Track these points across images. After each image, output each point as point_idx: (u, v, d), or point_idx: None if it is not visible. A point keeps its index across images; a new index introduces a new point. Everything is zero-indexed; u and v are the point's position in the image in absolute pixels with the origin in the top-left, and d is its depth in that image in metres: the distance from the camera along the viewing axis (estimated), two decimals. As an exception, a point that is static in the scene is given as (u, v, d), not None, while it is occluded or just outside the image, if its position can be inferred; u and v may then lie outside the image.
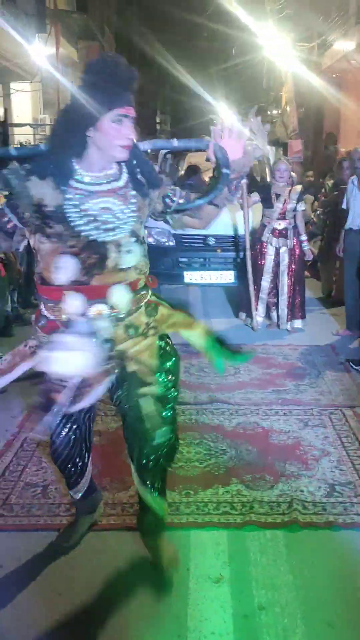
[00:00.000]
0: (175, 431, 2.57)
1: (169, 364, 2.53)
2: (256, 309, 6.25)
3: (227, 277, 6.91)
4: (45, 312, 2.35)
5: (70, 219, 2.20)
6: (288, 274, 6.20)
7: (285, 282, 6.20)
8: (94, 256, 2.24)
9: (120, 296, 2.30)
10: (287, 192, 6.13)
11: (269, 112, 25.37)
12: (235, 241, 6.88)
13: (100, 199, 2.24)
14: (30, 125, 17.05)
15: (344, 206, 6.14)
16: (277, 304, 6.28)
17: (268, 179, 7.31)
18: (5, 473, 3.48)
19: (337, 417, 4.17)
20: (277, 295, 6.26)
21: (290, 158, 17.30)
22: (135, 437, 2.51)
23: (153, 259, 2.51)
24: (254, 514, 3.03)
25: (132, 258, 2.31)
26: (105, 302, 2.28)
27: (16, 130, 16.84)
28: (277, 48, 17.36)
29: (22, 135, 16.75)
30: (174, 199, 2.43)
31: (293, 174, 6.33)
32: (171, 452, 2.59)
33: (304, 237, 6.25)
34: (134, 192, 2.32)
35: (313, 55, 17.38)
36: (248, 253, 6.18)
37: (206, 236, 6.92)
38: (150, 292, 2.49)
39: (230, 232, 6.91)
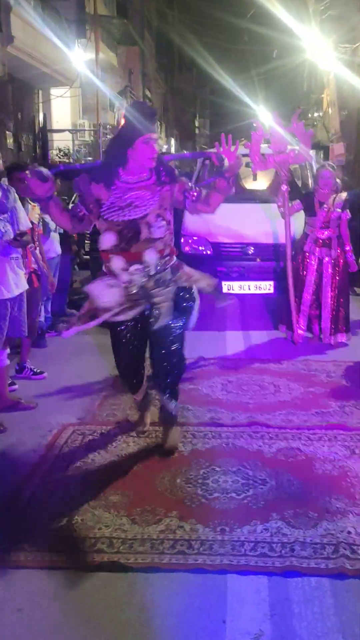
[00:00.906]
0: (183, 353, 3.75)
1: (184, 304, 3.64)
2: (297, 322, 5.96)
3: (266, 287, 6.65)
4: (104, 269, 3.61)
5: (115, 206, 3.39)
6: (331, 285, 5.89)
7: (328, 294, 5.89)
8: (131, 231, 3.42)
9: (150, 258, 3.46)
10: (332, 199, 5.83)
11: (309, 115, 24.92)
12: (275, 250, 6.61)
13: (134, 192, 3.41)
14: (69, 130, 17.05)
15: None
16: (319, 317, 5.98)
17: (311, 185, 7.02)
18: (30, 501, 3.28)
19: (386, 444, 3.85)
20: (319, 307, 5.96)
21: (332, 162, 16.91)
22: (158, 353, 3.69)
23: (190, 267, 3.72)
24: (295, 558, 2.75)
25: (158, 232, 3.45)
26: (140, 262, 3.45)
27: (55, 136, 16.87)
28: (319, 50, 16.95)
29: (61, 142, 16.77)
30: (191, 193, 3.53)
31: (338, 180, 6.01)
32: (181, 366, 3.81)
33: (348, 247, 5.92)
34: (159, 187, 3.45)
35: (356, 56, 16.91)
36: (289, 263, 5.90)
37: (245, 245, 6.67)
38: (175, 258, 3.65)
39: (271, 241, 6.65)
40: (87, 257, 6.46)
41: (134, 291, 3.47)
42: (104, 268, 3.63)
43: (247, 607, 2.49)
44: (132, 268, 3.45)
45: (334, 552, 2.79)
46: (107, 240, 3.45)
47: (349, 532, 2.93)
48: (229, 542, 2.88)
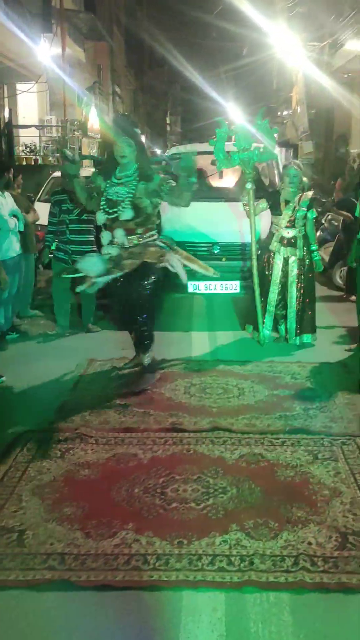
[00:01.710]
0: (153, 303, 4.76)
1: (150, 273, 4.66)
2: (263, 322, 5.88)
3: (232, 287, 6.55)
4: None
5: (107, 195, 4.59)
6: (297, 285, 5.82)
7: (294, 293, 5.82)
8: (114, 214, 4.56)
9: (120, 235, 4.56)
10: (298, 198, 5.75)
11: (279, 113, 24.96)
12: (241, 249, 6.52)
13: (118, 187, 4.58)
14: (35, 126, 16.73)
15: (357, 214, 5.75)
16: (285, 317, 5.91)
17: (277, 184, 6.95)
18: (-21, 514, 3.12)
19: (349, 448, 3.78)
20: (285, 307, 5.88)
21: (301, 160, 16.94)
22: (131, 307, 4.72)
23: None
24: (254, 572, 2.65)
25: (128, 215, 4.51)
26: (117, 237, 4.58)
27: (21, 131, 16.54)
28: (287, 48, 16.95)
29: (27, 137, 16.45)
30: (166, 188, 4.59)
31: (305, 179, 5.94)
32: (145, 326, 4.78)
33: (314, 247, 5.86)
34: (136, 183, 4.55)
35: (324, 55, 16.95)
36: (254, 263, 5.81)
37: (211, 244, 6.56)
38: (152, 238, 4.74)
39: (237, 240, 6.55)
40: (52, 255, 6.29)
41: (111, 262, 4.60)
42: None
43: (202, 628, 2.38)
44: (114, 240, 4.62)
45: (293, 564, 2.70)
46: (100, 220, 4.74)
47: (310, 543, 2.84)
48: (186, 556, 2.76)
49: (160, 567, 2.69)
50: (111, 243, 4.60)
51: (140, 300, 4.66)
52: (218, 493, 3.28)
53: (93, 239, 6.07)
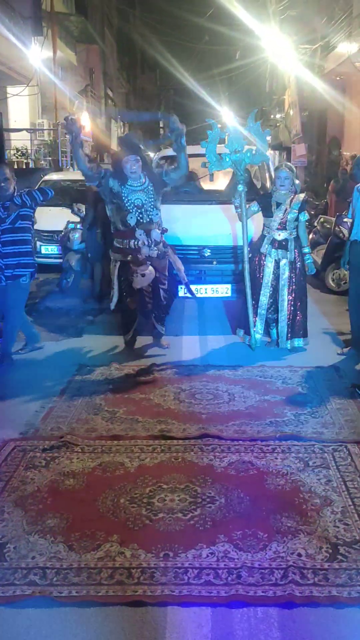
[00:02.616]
0: (172, 298, 5.86)
1: (173, 271, 5.67)
2: (254, 326, 5.80)
3: (224, 290, 6.48)
4: (117, 245, 5.49)
5: (124, 200, 5.32)
6: (289, 288, 5.75)
7: (285, 297, 5.74)
8: (147, 218, 5.37)
9: (156, 235, 5.40)
10: (289, 200, 5.68)
11: (272, 116, 24.97)
12: (233, 253, 6.44)
13: (138, 193, 5.34)
14: (27, 130, 16.65)
15: (349, 216, 5.69)
16: (276, 321, 5.83)
17: (269, 186, 6.89)
18: None
19: (341, 455, 3.70)
20: (276, 311, 5.81)
21: (294, 162, 16.91)
22: (157, 302, 5.68)
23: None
24: (242, 585, 2.56)
25: (159, 217, 5.45)
26: (148, 236, 5.36)
27: (13, 135, 16.46)
28: (280, 50, 16.93)
29: (18, 141, 16.37)
30: (165, 173, 5.48)
31: (297, 181, 5.87)
32: (167, 306, 5.83)
33: (306, 250, 5.79)
34: (151, 188, 5.37)
35: (316, 57, 16.96)
36: (246, 265, 5.74)
37: (202, 247, 6.48)
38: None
39: (228, 243, 6.48)
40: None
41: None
42: (116, 244, 5.56)
43: (187, 645, 2.29)
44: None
45: (282, 577, 2.61)
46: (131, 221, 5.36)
47: (299, 555, 2.75)
48: (172, 569, 2.68)
49: (144, 581, 2.60)
50: (144, 243, 5.32)
51: (167, 292, 5.68)
52: (206, 503, 3.20)
53: (31, 249, 5.40)
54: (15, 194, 5.24)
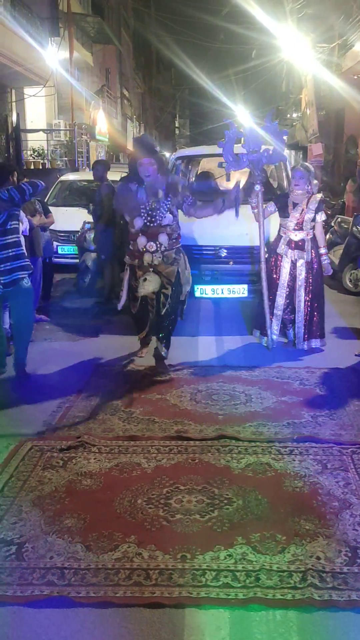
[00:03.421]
0: (176, 311, 5.36)
1: (180, 279, 5.25)
2: (270, 327, 5.77)
3: (240, 290, 6.45)
4: (129, 247, 5.21)
5: (137, 202, 5.02)
6: (305, 288, 5.71)
7: (302, 297, 5.71)
8: (157, 221, 5.02)
9: (164, 240, 5.03)
10: (306, 200, 5.65)
11: (288, 115, 24.86)
12: (250, 253, 6.42)
13: (150, 197, 5.02)
14: (43, 130, 16.74)
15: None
16: (293, 321, 5.80)
17: (286, 186, 6.85)
18: (-22, 526, 3.04)
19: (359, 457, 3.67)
20: (293, 311, 5.77)
21: (310, 162, 16.81)
22: (157, 311, 5.19)
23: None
24: (260, 588, 2.55)
25: (169, 220, 5.04)
26: (154, 241, 5.01)
27: (30, 136, 16.55)
28: (296, 49, 16.84)
29: (35, 142, 16.45)
30: (186, 201, 5.12)
31: (316, 181, 5.83)
32: (174, 321, 5.37)
33: (323, 250, 5.75)
34: (168, 200, 5.04)
35: (333, 56, 16.85)
36: (263, 266, 5.71)
37: (218, 247, 6.47)
38: (179, 245, 5.25)
39: (244, 243, 6.45)
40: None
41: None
42: (130, 247, 5.23)
43: (205, 647, 2.28)
44: (148, 245, 5.04)
45: (301, 580, 2.59)
46: (137, 225, 5.03)
47: (318, 558, 2.73)
48: (190, 571, 2.67)
49: (162, 583, 2.60)
50: (149, 249, 5.01)
51: (167, 308, 5.16)
52: (223, 504, 3.19)
53: (23, 251, 5.04)
54: (2, 188, 4.85)
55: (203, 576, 2.64)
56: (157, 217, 4.99)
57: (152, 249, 5.00)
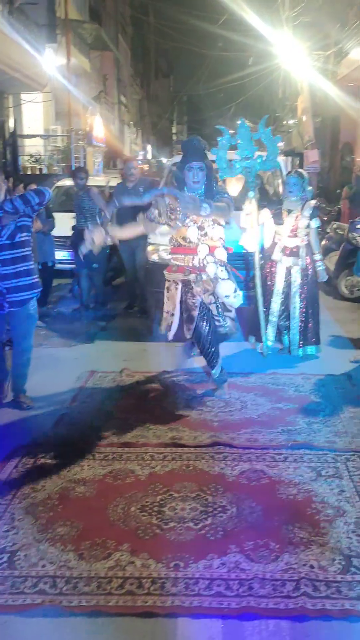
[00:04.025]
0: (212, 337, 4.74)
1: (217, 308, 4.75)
2: (266, 333, 5.77)
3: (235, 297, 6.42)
4: (175, 262, 4.68)
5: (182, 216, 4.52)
6: (300, 295, 5.71)
7: (297, 304, 5.71)
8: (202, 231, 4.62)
9: (204, 250, 4.61)
10: (300, 207, 5.66)
11: (285, 122, 24.94)
12: (244, 259, 6.41)
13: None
14: (40, 136, 16.74)
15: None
16: (288, 328, 5.79)
17: (281, 193, 6.86)
18: (-30, 534, 3.02)
19: (354, 464, 3.66)
20: (288, 318, 5.77)
21: (306, 168, 16.86)
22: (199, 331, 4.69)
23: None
24: (253, 597, 2.53)
25: (216, 234, 4.63)
26: (212, 253, 4.63)
27: (26, 141, 16.55)
28: (292, 57, 16.90)
29: (32, 147, 16.45)
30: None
31: (309, 187, 5.84)
32: (211, 345, 4.73)
33: (318, 257, 5.75)
34: (206, 205, 4.33)
35: (329, 64, 16.92)
36: (257, 272, 5.71)
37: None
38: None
39: (239, 250, 6.45)
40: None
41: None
42: (173, 262, 4.76)
43: (198, 658, 2.27)
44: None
45: (294, 589, 2.58)
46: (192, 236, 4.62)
47: (312, 567, 2.72)
48: (183, 580, 2.66)
49: (155, 592, 2.59)
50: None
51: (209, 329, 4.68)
52: (217, 512, 3.17)
53: (33, 267, 4.63)
54: (6, 199, 4.42)
55: (196, 585, 2.63)
56: (207, 228, 4.57)
57: (212, 261, 4.57)
